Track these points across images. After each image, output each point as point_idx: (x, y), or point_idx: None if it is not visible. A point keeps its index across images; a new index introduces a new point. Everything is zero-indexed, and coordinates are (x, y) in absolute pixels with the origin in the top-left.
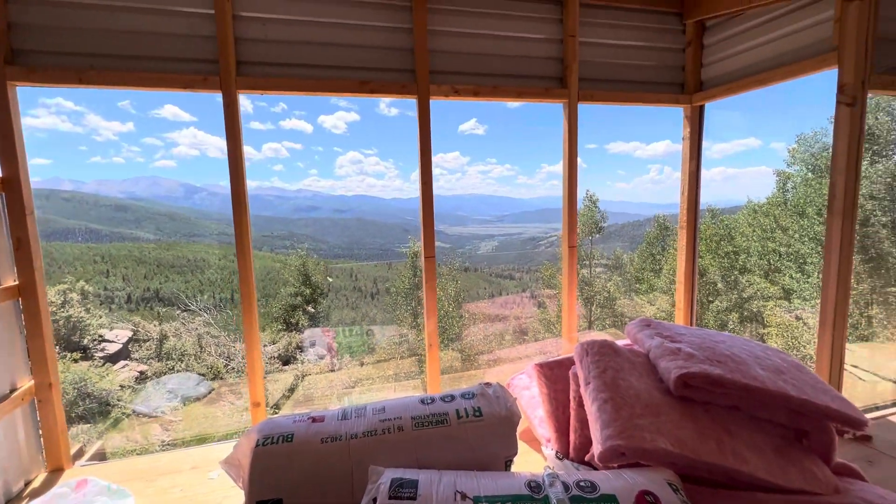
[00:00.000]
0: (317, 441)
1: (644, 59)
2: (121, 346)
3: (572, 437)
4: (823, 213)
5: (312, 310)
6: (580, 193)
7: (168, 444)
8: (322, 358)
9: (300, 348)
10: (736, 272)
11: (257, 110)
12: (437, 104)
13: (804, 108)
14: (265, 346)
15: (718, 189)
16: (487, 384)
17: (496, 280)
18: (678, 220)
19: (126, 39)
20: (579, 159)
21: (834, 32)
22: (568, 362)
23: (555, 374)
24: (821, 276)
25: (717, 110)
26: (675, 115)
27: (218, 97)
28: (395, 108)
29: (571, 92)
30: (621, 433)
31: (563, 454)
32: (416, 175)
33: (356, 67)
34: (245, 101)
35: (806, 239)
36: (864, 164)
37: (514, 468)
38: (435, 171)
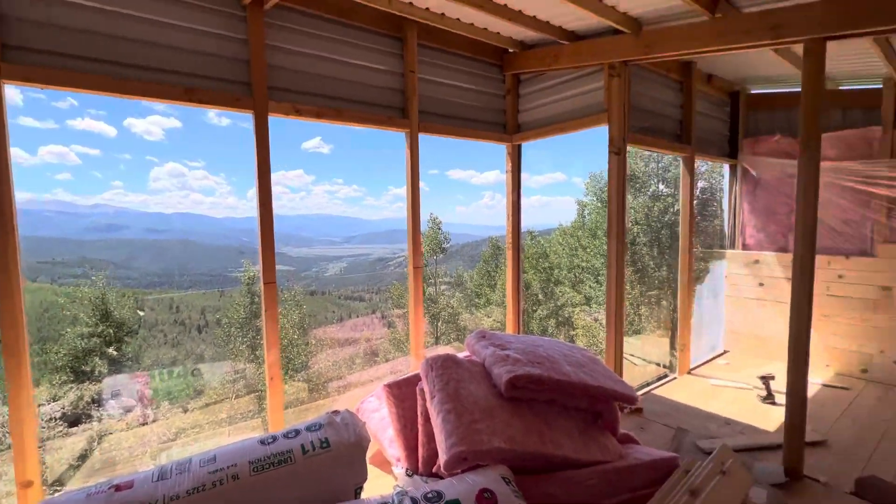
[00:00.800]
0: None
1: (474, 101)
2: None
3: (421, 451)
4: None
5: (115, 352)
6: (424, 216)
7: None
8: (130, 410)
9: (97, 402)
10: (552, 284)
11: (31, 103)
12: (277, 119)
13: (593, 151)
14: (42, 405)
15: (536, 214)
16: (335, 412)
17: (345, 303)
18: (506, 241)
19: None
20: (422, 183)
21: (604, 98)
22: (416, 379)
23: (403, 393)
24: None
25: (534, 148)
26: (501, 150)
27: None
28: (226, 118)
29: (412, 123)
30: (463, 439)
31: (412, 470)
32: (253, 192)
33: (182, 73)
34: (12, 91)
35: (599, 255)
36: (630, 197)
37: (364, 494)
38: (276, 188)
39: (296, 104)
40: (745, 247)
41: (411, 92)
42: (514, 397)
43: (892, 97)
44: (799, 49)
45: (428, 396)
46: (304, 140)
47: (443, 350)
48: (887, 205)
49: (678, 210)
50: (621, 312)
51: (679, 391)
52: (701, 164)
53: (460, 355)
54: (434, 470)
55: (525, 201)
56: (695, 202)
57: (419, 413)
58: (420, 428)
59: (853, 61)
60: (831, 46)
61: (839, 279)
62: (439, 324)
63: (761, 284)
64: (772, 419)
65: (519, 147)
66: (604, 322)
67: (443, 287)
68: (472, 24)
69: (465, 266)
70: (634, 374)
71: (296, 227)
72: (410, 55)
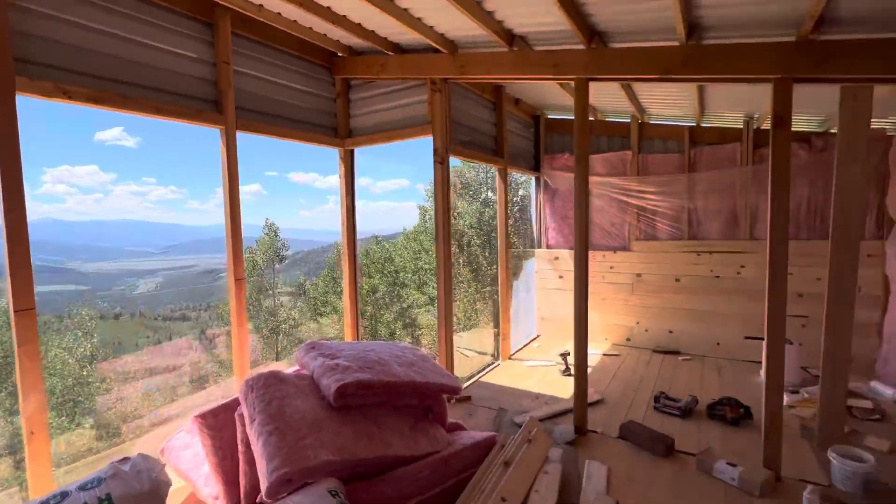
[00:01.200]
0: None
1: (302, 102)
2: None
3: (242, 481)
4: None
5: None
6: (259, 221)
7: None
8: None
9: None
10: (398, 287)
11: None
12: (51, 104)
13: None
14: None
15: (384, 219)
16: (124, 460)
17: (163, 324)
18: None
19: None
20: (258, 186)
21: (428, 111)
22: (234, 405)
23: (220, 422)
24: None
25: (378, 155)
26: None
27: None
28: None
29: (228, 119)
30: (287, 459)
31: None
32: None
33: None
34: None
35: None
36: (465, 203)
37: None
38: (58, 187)
39: (61, 83)
40: (548, 246)
41: (226, 85)
42: (344, 405)
43: (636, 129)
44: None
45: (248, 421)
46: (99, 129)
47: (276, 366)
48: (637, 211)
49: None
50: (450, 311)
51: (502, 375)
52: (521, 175)
53: (290, 370)
54: (258, 500)
55: (373, 206)
56: (516, 208)
57: (239, 441)
58: (241, 457)
59: (611, 100)
60: (597, 86)
61: (610, 270)
62: (280, 337)
63: (561, 277)
64: (568, 388)
65: (352, 152)
66: None
67: (284, 298)
68: (295, 22)
69: (311, 273)
70: (467, 366)
71: (90, 237)
72: (223, 44)
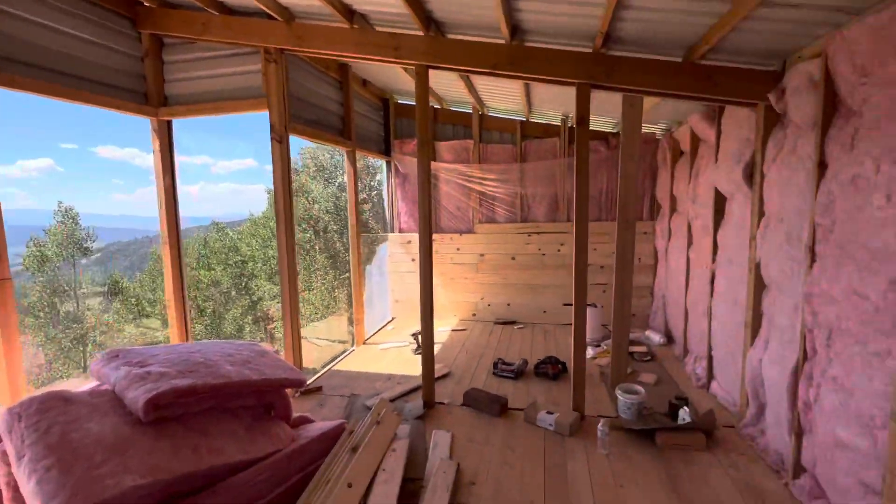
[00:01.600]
0: None
1: (95, 57)
2: None
3: None
4: (302, 224)
5: None
6: (52, 205)
7: None
8: None
9: None
10: (245, 279)
11: None
12: None
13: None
14: None
15: (227, 203)
16: None
17: None
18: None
19: None
20: (50, 161)
21: (263, 83)
22: None
23: None
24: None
25: (222, 131)
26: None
27: None
28: None
29: None
30: (76, 495)
31: None
32: None
33: None
34: None
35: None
36: (320, 187)
37: None
38: None
39: None
40: (400, 230)
41: None
42: (160, 418)
43: (477, 120)
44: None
45: (13, 459)
46: None
47: (74, 384)
48: (479, 196)
49: (361, 199)
50: (295, 302)
51: (355, 361)
52: (377, 160)
53: (84, 387)
54: None
55: (213, 189)
56: (373, 192)
57: (3, 486)
58: None
59: (453, 90)
60: (439, 74)
61: (458, 251)
62: (88, 348)
63: (413, 260)
64: (420, 366)
65: (168, 123)
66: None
67: (95, 300)
68: None
69: (133, 268)
70: (322, 356)
71: None
72: None
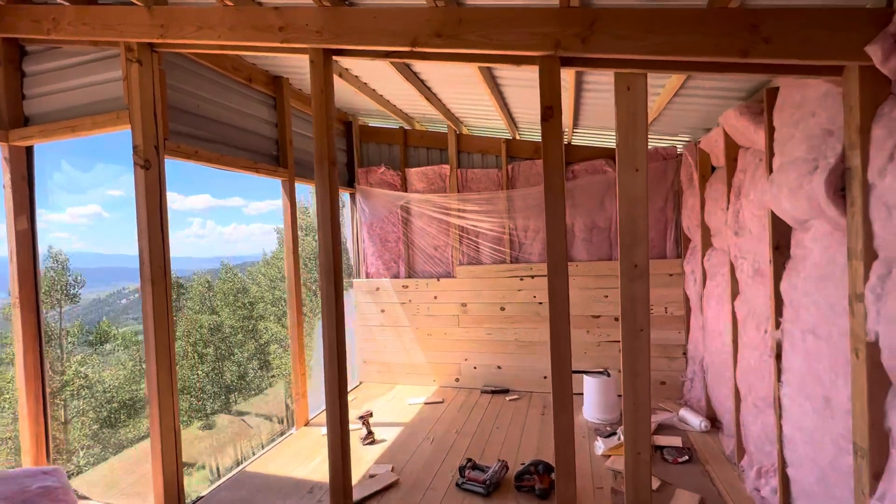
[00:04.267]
0: None
1: None
2: None
3: None
4: (309, 264)
5: None
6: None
7: None
8: None
9: None
10: (253, 321)
11: None
12: None
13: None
14: None
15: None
16: None
17: None
18: (13, 293)
19: None
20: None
21: (124, 91)
22: None
23: None
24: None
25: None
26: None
27: None
28: None
29: None
30: None
31: None
32: None
33: None
34: None
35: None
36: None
37: None
38: None
39: None
40: (367, 275)
41: None
42: None
43: (454, 140)
44: (387, 95)
45: None
46: None
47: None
48: (459, 232)
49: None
50: (168, 391)
51: (282, 456)
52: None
53: None
54: None
55: (244, 230)
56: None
57: None
58: None
59: (414, 103)
60: (387, 81)
61: (435, 300)
62: (77, 402)
63: (383, 311)
64: (363, 464)
65: (28, 150)
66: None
67: (87, 351)
68: None
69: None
70: (247, 442)
71: None
72: None
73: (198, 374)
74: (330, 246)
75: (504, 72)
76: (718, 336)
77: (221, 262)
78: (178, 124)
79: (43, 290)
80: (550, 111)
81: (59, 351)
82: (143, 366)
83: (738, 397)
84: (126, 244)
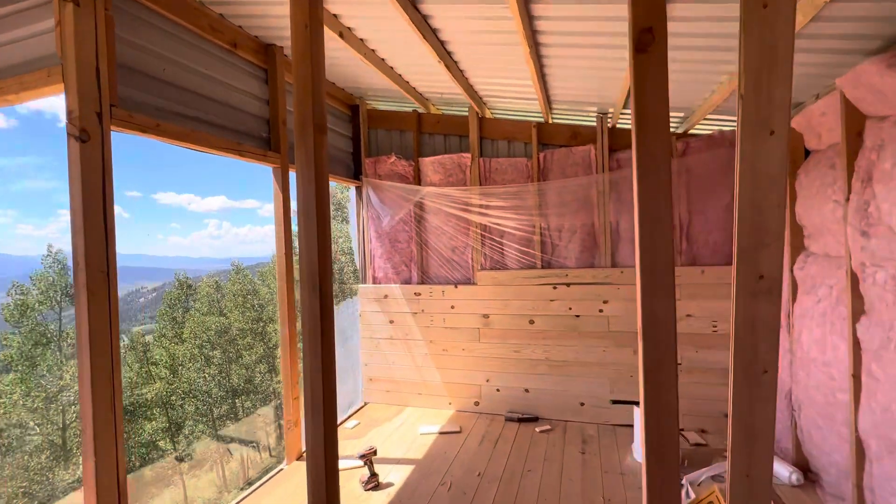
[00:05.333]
0: None
1: None
2: None
3: None
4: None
5: None
6: (42, 249)
7: None
8: None
9: None
10: (263, 323)
11: None
12: None
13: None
14: None
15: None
16: None
17: None
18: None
19: None
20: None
21: (56, 42)
22: None
23: None
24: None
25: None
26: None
27: None
28: None
29: None
30: None
31: None
32: None
33: None
34: None
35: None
36: (337, 225)
37: None
38: None
39: None
40: (375, 280)
41: None
42: None
43: (475, 124)
44: (398, 66)
45: None
46: None
47: None
48: (481, 232)
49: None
50: (117, 418)
51: (269, 498)
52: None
53: None
54: None
55: (260, 230)
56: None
57: None
58: None
59: (433, 79)
60: (408, 52)
61: (452, 310)
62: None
63: (392, 322)
64: None
65: None
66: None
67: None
68: None
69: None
70: (231, 476)
71: None
72: None
73: (204, 377)
74: (314, 246)
75: (546, 22)
76: (822, 367)
77: (232, 262)
78: (134, 90)
79: (40, 291)
80: (650, 35)
81: (58, 354)
82: (149, 368)
83: (861, 450)
84: (147, 244)
